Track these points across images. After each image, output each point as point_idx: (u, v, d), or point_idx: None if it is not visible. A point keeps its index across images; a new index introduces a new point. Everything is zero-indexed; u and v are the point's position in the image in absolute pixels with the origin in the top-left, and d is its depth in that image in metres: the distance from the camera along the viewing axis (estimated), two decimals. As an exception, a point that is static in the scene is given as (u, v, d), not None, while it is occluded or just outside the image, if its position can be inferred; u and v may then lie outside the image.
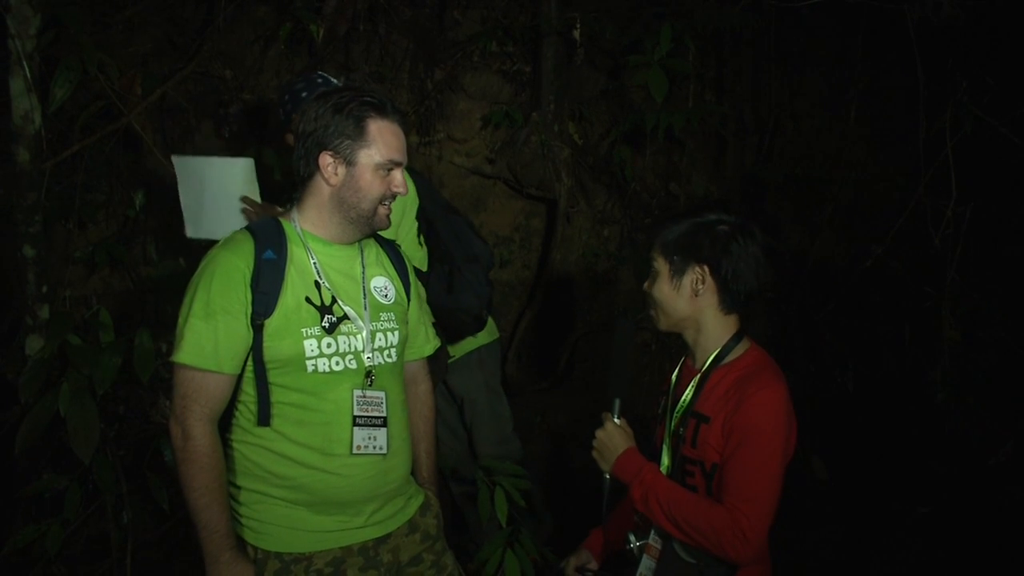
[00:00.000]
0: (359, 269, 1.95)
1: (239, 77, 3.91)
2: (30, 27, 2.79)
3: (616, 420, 1.91)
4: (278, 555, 1.82)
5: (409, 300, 2.08)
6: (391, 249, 2.11)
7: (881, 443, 3.85)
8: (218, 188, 2.66)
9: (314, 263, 1.87)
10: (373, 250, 2.03)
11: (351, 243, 1.94)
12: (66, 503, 2.61)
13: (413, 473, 2.09)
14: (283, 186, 3.27)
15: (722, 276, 1.83)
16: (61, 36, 2.95)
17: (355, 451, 1.84)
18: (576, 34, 4.23)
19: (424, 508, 2.05)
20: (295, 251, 1.86)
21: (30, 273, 2.91)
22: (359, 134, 1.82)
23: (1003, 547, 3.14)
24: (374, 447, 1.87)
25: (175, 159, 2.72)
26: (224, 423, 1.86)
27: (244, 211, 2.62)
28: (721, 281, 1.83)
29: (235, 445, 1.85)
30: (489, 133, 4.28)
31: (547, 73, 4.17)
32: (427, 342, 2.17)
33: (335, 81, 2.63)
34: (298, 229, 1.89)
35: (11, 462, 2.77)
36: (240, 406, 1.85)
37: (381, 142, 1.84)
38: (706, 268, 1.83)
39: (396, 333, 1.97)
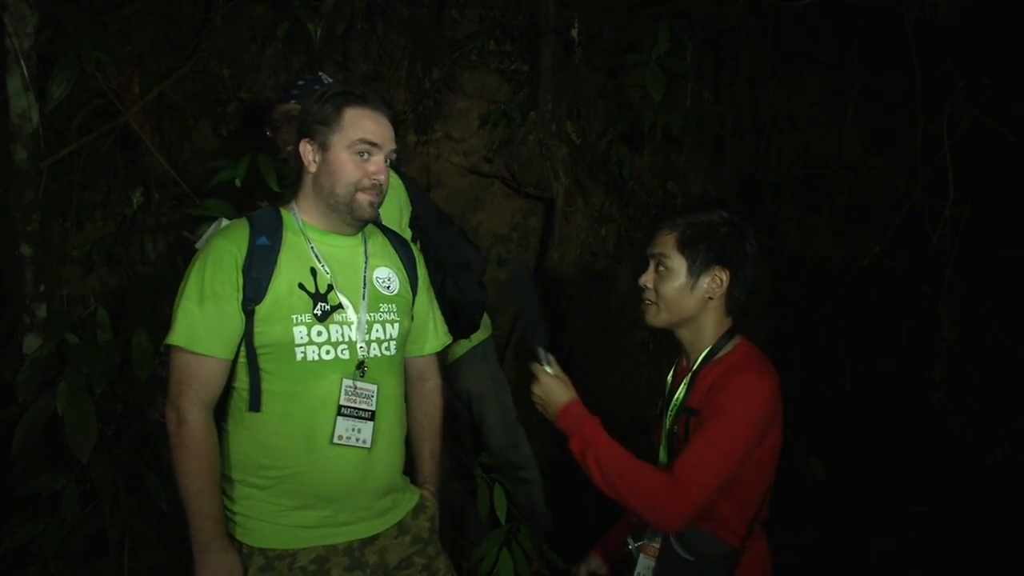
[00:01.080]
0: (361, 259, 1.93)
1: (237, 76, 3.90)
2: (27, 25, 2.78)
3: (548, 369, 1.86)
4: (263, 551, 1.81)
5: (415, 293, 2.04)
6: (400, 242, 2.08)
7: (878, 443, 3.85)
8: None
9: (312, 248, 1.86)
10: (379, 241, 2.02)
11: (349, 234, 1.93)
12: (64, 502, 2.60)
13: (412, 472, 2.08)
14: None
15: (738, 280, 1.83)
16: (58, 34, 2.94)
17: (335, 440, 1.81)
18: (574, 33, 4.22)
19: (418, 510, 2.01)
20: (291, 238, 1.86)
21: (27, 272, 2.90)
22: (335, 120, 1.82)
23: (1000, 547, 3.15)
24: (357, 439, 1.83)
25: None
26: (220, 411, 1.85)
27: None
28: (735, 285, 1.84)
29: (228, 435, 1.85)
30: (487, 132, 4.27)
31: (545, 72, 4.16)
32: (435, 338, 2.13)
33: None
34: (298, 220, 1.89)
35: (8, 461, 2.76)
36: (234, 393, 1.84)
37: (354, 125, 1.82)
38: (727, 272, 1.83)
39: (396, 325, 1.93)
